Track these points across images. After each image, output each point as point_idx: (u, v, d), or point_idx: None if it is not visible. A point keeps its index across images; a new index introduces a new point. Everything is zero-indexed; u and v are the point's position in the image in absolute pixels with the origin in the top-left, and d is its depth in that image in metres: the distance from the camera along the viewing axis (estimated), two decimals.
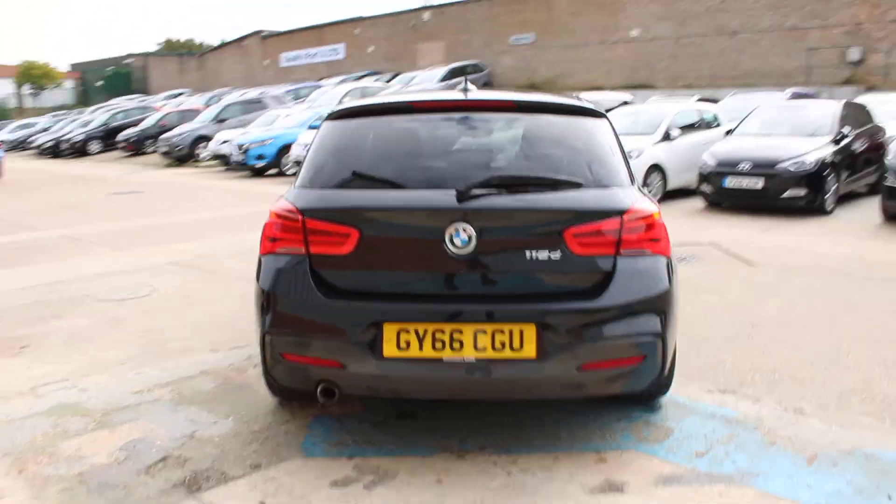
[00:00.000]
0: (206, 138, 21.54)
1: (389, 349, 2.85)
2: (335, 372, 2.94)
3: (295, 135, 17.17)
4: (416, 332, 2.84)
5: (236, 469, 3.12)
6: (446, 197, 2.89)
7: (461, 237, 2.86)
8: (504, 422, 3.43)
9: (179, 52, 54.78)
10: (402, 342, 2.85)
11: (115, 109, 30.97)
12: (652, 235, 2.98)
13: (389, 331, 2.85)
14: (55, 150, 27.61)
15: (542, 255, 2.87)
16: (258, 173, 17.62)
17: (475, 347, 2.82)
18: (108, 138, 27.67)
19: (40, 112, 43.02)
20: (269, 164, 17.60)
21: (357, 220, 2.95)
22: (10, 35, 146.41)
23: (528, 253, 2.88)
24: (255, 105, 24.09)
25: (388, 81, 28.59)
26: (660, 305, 2.96)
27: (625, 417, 3.47)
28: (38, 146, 28.59)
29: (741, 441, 3.21)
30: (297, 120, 18.93)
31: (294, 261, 3.01)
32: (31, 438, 3.46)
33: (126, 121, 28.18)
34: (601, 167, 3.09)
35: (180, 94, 38.13)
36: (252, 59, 42.26)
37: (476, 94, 3.43)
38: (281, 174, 17.01)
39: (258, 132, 18.83)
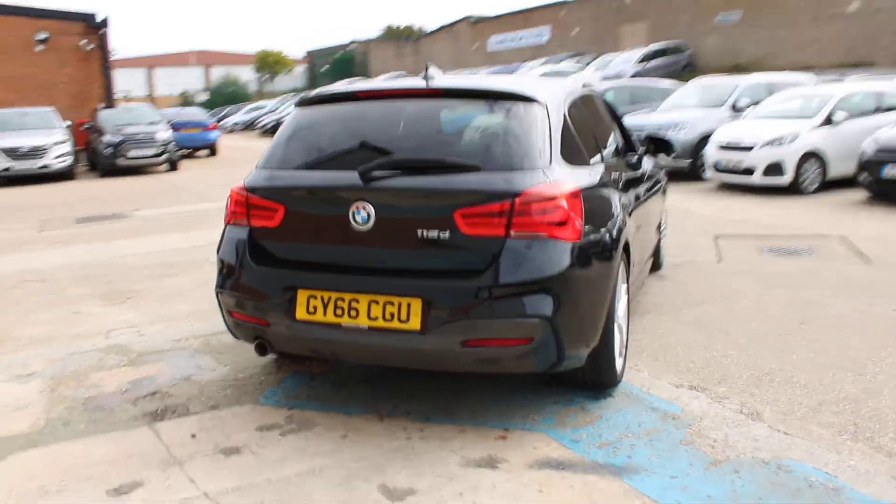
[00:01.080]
0: None
1: (301, 312, 3.17)
2: (263, 329, 3.33)
3: None
4: (322, 299, 3.13)
5: (197, 407, 3.62)
6: (351, 177, 3.13)
7: (361, 214, 3.10)
8: (444, 393, 3.60)
9: (397, 37, 57.93)
10: (310, 307, 3.15)
11: None
12: (549, 219, 2.99)
13: (301, 296, 3.18)
14: (273, 130, 30.86)
15: (433, 233, 3.02)
16: None
17: (368, 316, 3.06)
18: None
19: (274, 96, 47.90)
20: None
21: (283, 198, 3.30)
22: (251, 26, 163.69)
23: (420, 231, 3.04)
24: None
25: (587, 64, 28.24)
26: (552, 289, 2.96)
27: (565, 401, 3.49)
28: (262, 126, 32.01)
29: (658, 437, 3.12)
30: None
31: (241, 232, 3.44)
32: (76, 368, 4.23)
33: None
34: (509, 150, 3.14)
35: (397, 76, 40.46)
36: (462, 43, 43.64)
37: (437, 81, 3.58)
38: None
39: None
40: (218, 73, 62.64)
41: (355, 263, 3.18)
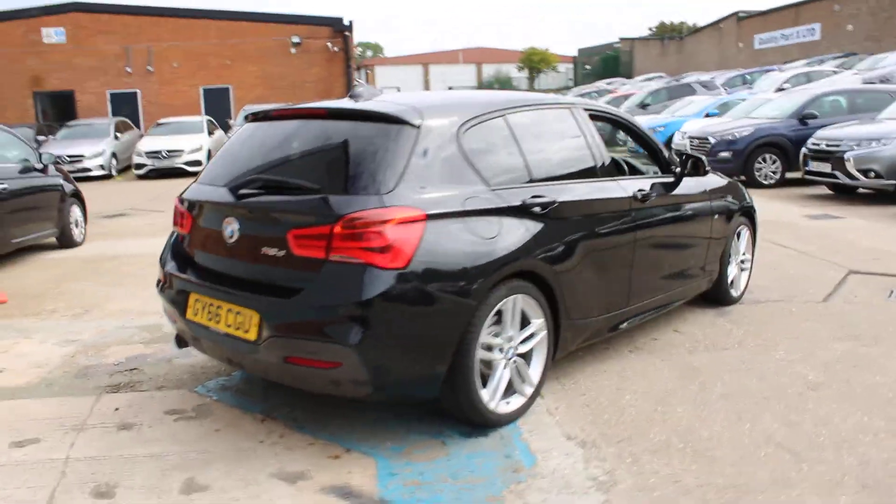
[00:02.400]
0: None
1: (189, 313, 3.53)
2: (174, 324, 3.74)
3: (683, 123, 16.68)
4: (201, 302, 3.45)
5: (147, 386, 4.15)
6: (226, 195, 3.39)
7: (229, 229, 3.36)
8: (340, 408, 3.69)
9: (662, 36, 55.66)
10: (194, 309, 3.49)
11: (579, 93, 33.76)
12: (367, 244, 2.98)
13: (191, 298, 3.53)
14: None
15: (273, 251, 3.18)
16: None
17: (225, 323, 3.31)
18: None
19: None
20: None
21: (191, 209, 3.68)
22: (524, 23, 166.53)
23: (265, 249, 3.21)
24: (684, 90, 23.70)
25: (851, 66, 24.94)
26: (362, 315, 2.96)
27: (435, 432, 3.44)
28: None
29: (476, 487, 2.98)
30: (699, 107, 18.34)
31: (174, 236, 3.88)
32: (107, 340, 5.01)
33: None
34: (350, 173, 3.16)
35: (654, 78, 39.17)
36: (726, 42, 40.84)
37: (361, 101, 3.65)
38: None
39: (655, 119, 18.82)
40: (489, 71, 65.44)
41: (226, 273, 3.44)
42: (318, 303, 3.03)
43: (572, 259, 3.74)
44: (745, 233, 5.54)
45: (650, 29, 68.44)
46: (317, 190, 3.17)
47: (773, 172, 12.45)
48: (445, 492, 2.93)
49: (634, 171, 4.99)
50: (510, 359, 3.47)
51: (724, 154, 12.70)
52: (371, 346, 3.00)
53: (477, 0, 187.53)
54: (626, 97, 26.10)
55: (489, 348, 3.37)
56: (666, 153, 4.82)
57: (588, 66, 55.00)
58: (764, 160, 12.46)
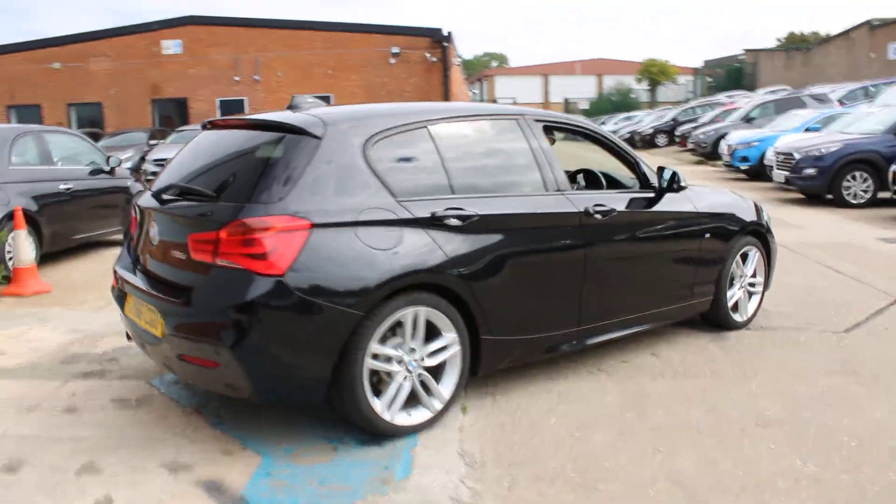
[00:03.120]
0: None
1: (125, 307, 3.76)
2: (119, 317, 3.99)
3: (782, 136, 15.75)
4: (131, 299, 3.69)
5: (113, 376, 4.43)
6: (153, 201, 3.59)
7: (153, 233, 3.56)
8: (271, 411, 3.79)
9: (787, 47, 52.67)
10: (129, 305, 3.72)
11: (695, 105, 32.64)
12: (246, 250, 3.08)
13: (128, 296, 3.76)
14: (630, 141, 30.84)
15: (178, 254, 3.34)
16: (749, 176, 16.66)
17: (145, 320, 3.51)
18: (673, 132, 29.67)
19: (653, 106, 47.55)
20: (753, 166, 16.57)
21: (136, 211, 3.91)
22: (645, 35, 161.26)
23: (174, 251, 3.39)
24: (793, 103, 22.37)
25: None
26: (236, 319, 3.06)
27: (338, 437, 3.48)
28: (620, 137, 32.40)
29: (326, 495, 2.99)
30: (801, 121, 17.28)
31: (127, 238, 4.14)
32: (103, 332, 5.34)
33: (690, 116, 29.56)
34: (243, 182, 3.28)
35: (776, 91, 37.26)
36: (857, 52, 38.16)
37: (300, 112, 3.74)
38: (761, 177, 15.46)
39: (752, 133, 17.90)
40: (609, 82, 64.32)
41: (150, 273, 3.63)
42: (203, 304, 3.16)
43: (497, 275, 3.67)
44: (754, 255, 5.22)
45: (778, 40, 65.02)
46: (214, 198, 3.30)
47: (864, 191, 11.59)
48: (304, 496, 2.97)
49: (615, 185, 4.82)
50: (413, 371, 3.45)
51: (809, 171, 11.97)
52: (246, 348, 3.09)
53: (598, 12, 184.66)
54: (734, 110, 24.98)
55: (387, 359, 3.37)
56: (645, 167, 4.60)
57: (710, 78, 52.93)
58: (854, 178, 11.61)
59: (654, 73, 59.07)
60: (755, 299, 5.35)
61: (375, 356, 3.32)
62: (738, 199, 5.27)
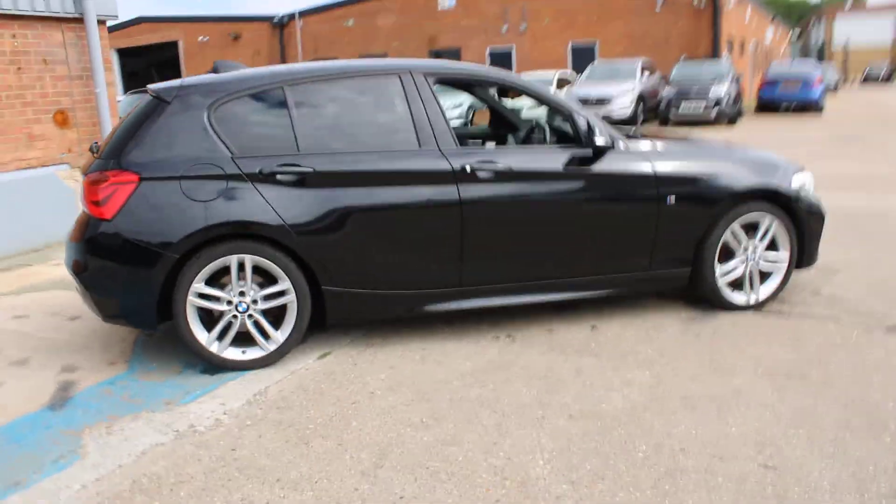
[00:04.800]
0: None
1: None
2: None
3: None
4: None
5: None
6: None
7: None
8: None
9: None
10: None
11: None
12: (90, 198, 3.68)
13: None
14: None
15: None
16: None
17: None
18: None
19: None
20: None
21: None
22: None
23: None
24: None
25: None
26: (81, 255, 3.72)
27: (197, 364, 3.95)
28: None
29: (119, 425, 3.49)
30: None
31: None
32: None
33: None
34: (115, 141, 3.77)
35: None
36: None
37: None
38: None
39: None
40: None
41: None
42: (71, 241, 3.84)
43: (337, 229, 3.77)
44: (771, 225, 4.41)
45: None
46: (98, 156, 3.88)
47: None
48: (109, 404, 3.50)
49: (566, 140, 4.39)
50: (244, 312, 3.76)
51: None
52: (86, 278, 3.71)
53: None
54: None
55: (216, 299, 3.72)
56: (584, 121, 4.14)
57: None
58: None
59: None
60: (774, 278, 4.53)
61: (202, 295, 3.70)
62: (739, 160, 4.45)
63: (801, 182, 4.51)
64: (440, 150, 3.92)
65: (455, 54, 25.84)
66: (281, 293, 3.80)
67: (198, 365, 3.91)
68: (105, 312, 3.80)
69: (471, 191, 3.91)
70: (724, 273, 4.40)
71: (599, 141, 4.03)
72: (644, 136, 4.49)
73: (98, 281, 3.73)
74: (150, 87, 3.97)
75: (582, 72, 20.08)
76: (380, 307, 3.99)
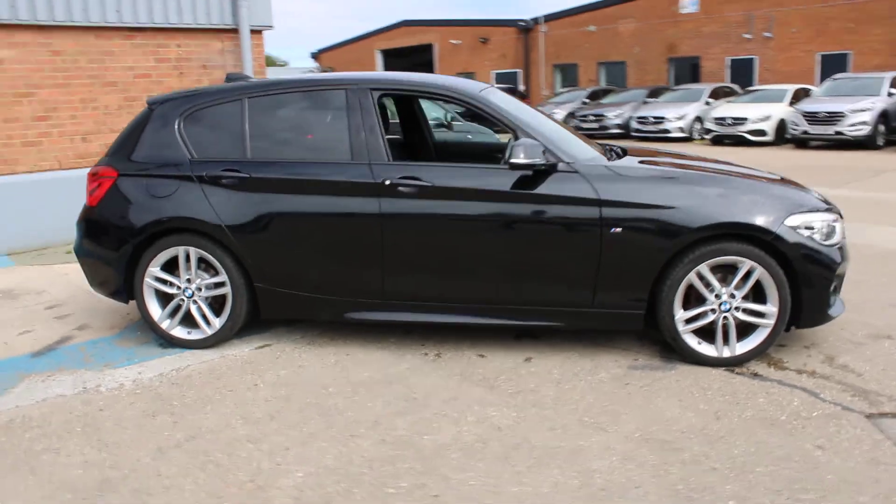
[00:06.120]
0: None
1: None
2: None
3: None
4: None
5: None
6: None
7: None
8: None
9: None
10: None
11: None
12: (88, 188, 4.41)
13: None
14: None
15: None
16: None
17: None
18: None
19: None
20: None
21: None
22: None
23: None
24: None
25: None
26: (77, 234, 4.43)
27: (158, 337, 4.58)
28: None
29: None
30: None
31: None
32: None
33: None
34: (115, 142, 4.46)
35: None
36: None
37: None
38: None
39: None
40: None
41: None
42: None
43: (265, 231, 4.12)
44: (750, 271, 3.84)
45: None
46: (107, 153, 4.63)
47: None
48: (70, 357, 4.23)
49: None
50: (190, 297, 4.27)
51: None
52: (78, 253, 4.48)
53: None
54: None
55: (169, 284, 4.27)
56: (518, 136, 3.96)
57: None
58: None
59: None
60: (758, 334, 3.95)
61: (158, 278, 4.27)
62: (722, 191, 3.88)
63: (800, 222, 3.88)
64: (369, 164, 4.06)
65: (693, 63, 24.45)
66: (221, 284, 4.24)
67: (161, 339, 4.50)
68: (91, 282, 4.55)
69: (392, 205, 4.00)
70: (686, 319, 3.94)
71: (515, 160, 3.79)
72: (645, 156, 4.23)
73: (82, 256, 4.49)
74: (148, 98, 4.62)
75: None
76: (307, 309, 4.26)
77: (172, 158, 4.28)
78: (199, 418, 3.44)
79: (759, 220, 3.80)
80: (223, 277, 4.21)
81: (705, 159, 4.71)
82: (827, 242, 3.92)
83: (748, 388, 3.69)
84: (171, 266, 4.30)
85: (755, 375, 3.85)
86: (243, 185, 4.15)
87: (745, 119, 17.72)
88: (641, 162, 4.20)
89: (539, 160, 3.82)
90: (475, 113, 4.20)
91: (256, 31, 8.67)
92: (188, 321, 4.34)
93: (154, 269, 4.27)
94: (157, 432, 3.31)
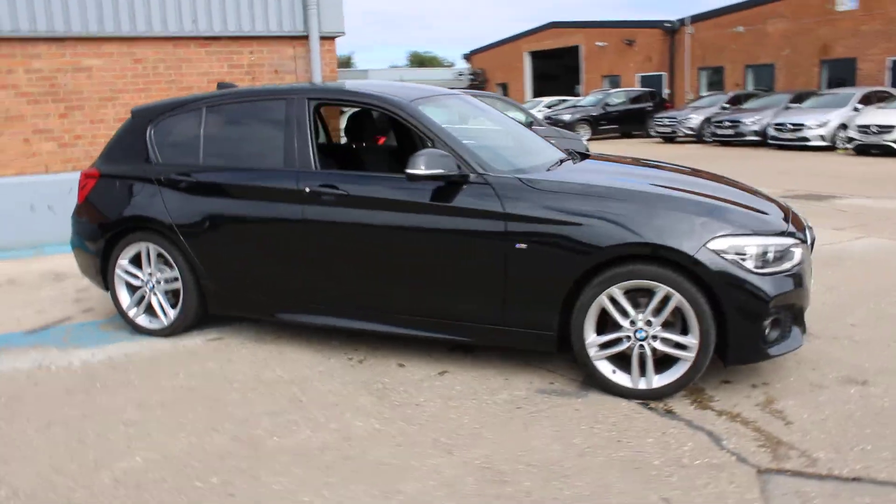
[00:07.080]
0: None
1: None
2: None
3: None
4: None
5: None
6: None
7: None
8: None
9: None
10: None
11: None
12: (79, 186, 4.93)
13: None
14: None
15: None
16: None
17: None
18: None
19: None
20: None
21: None
22: None
23: None
24: None
25: None
26: (71, 226, 4.98)
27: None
28: None
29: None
30: None
31: None
32: None
33: None
34: (105, 146, 4.95)
35: None
36: None
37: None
38: None
39: None
40: None
41: None
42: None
43: (205, 232, 4.44)
44: (666, 297, 3.57)
45: None
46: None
47: None
48: (54, 338, 4.75)
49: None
50: (151, 290, 4.67)
51: None
52: (72, 244, 5.02)
53: None
54: None
55: (134, 275, 4.70)
56: (434, 144, 3.97)
57: None
58: None
59: None
60: (679, 367, 3.69)
61: (126, 271, 4.72)
62: (650, 206, 3.62)
63: (726, 245, 3.55)
64: (296, 171, 4.24)
65: (849, 65, 22.30)
66: (175, 279, 4.60)
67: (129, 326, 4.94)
68: (80, 270, 5.08)
69: (313, 212, 4.15)
70: (596, 345, 3.77)
71: (412, 170, 3.77)
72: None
73: (74, 246, 5.03)
74: (133, 108, 5.09)
75: None
76: (245, 307, 4.52)
77: (143, 162, 4.70)
78: (104, 400, 3.79)
79: (673, 242, 3.52)
80: (176, 273, 4.57)
81: (681, 170, 4.46)
82: (763, 270, 3.57)
83: (646, 425, 3.46)
84: (138, 260, 4.72)
85: (667, 412, 3.60)
86: (191, 188, 4.49)
87: (893, 127, 16.04)
88: (572, 172, 4.07)
89: (440, 170, 3.78)
90: (401, 125, 4.27)
91: (328, 38, 9.10)
92: (152, 311, 4.75)
93: (123, 262, 4.72)
94: (58, 408, 3.69)
